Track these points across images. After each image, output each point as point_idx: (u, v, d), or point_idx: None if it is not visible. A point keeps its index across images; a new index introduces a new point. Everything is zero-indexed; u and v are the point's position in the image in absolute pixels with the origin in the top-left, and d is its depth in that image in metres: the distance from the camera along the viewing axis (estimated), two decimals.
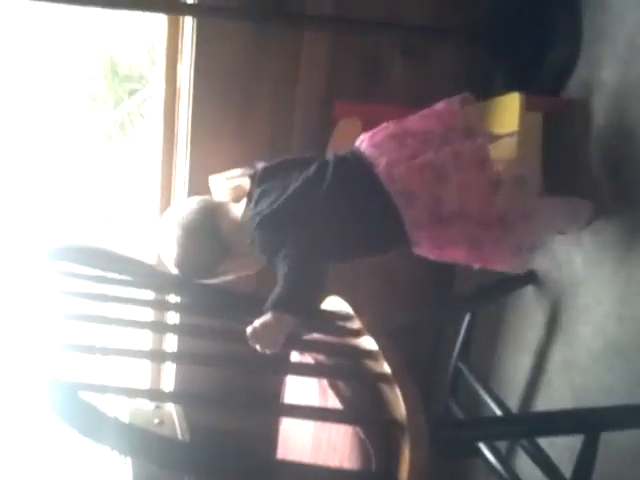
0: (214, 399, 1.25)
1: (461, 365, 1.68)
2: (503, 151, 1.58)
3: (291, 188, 1.37)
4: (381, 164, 1.37)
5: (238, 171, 1.55)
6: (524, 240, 1.41)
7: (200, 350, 1.24)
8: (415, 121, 1.46)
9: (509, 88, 1.63)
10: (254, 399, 1.15)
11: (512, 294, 1.72)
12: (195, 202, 1.49)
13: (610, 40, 1.53)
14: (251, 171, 1.50)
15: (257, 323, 1.22)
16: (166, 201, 1.96)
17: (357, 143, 1.46)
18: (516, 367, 1.74)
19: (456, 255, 1.44)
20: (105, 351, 1.18)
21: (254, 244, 1.39)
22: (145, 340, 1.82)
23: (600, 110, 1.55)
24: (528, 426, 1.27)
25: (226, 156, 1.83)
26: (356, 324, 1.38)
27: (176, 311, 1.51)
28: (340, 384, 1.29)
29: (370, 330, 1.31)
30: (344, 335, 1.38)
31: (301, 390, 1.40)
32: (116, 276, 1.41)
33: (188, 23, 1.79)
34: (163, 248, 1.45)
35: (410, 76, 1.85)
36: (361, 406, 1.22)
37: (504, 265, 1.44)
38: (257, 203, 1.41)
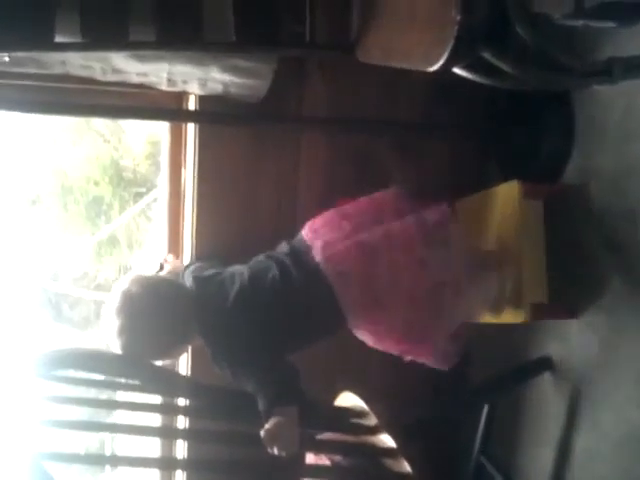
0: None
1: (482, 459, 1.62)
2: (504, 241, 1.60)
3: (231, 294, 1.42)
4: (317, 246, 1.47)
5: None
6: (452, 322, 1.51)
7: (212, 454, 1.20)
8: (351, 205, 1.60)
9: (506, 177, 1.65)
10: None
11: (529, 383, 1.68)
12: (172, 281, 1.54)
13: (602, 127, 1.56)
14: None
15: (268, 426, 1.22)
16: None
17: (302, 231, 1.57)
18: (539, 459, 1.67)
19: (390, 343, 1.54)
20: (114, 460, 1.15)
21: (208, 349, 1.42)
22: (154, 445, 1.75)
23: (599, 194, 1.57)
24: None
25: (231, 256, 1.84)
26: (371, 420, 1.34)
27: (185, 415, 1.47)
28: None
29: (387, 427, 1.28)
30: (360, 433, 1.35)
31: None
32: (123, 381, 1.39)
33: (190, 128, 1.85)
34: (123, 315, 1.39)
35: (408, 171, 1.87)
36: None
37: (430, 361, 1.55)
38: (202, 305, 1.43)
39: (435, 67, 1.21)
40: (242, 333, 1.38)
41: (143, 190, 4.41)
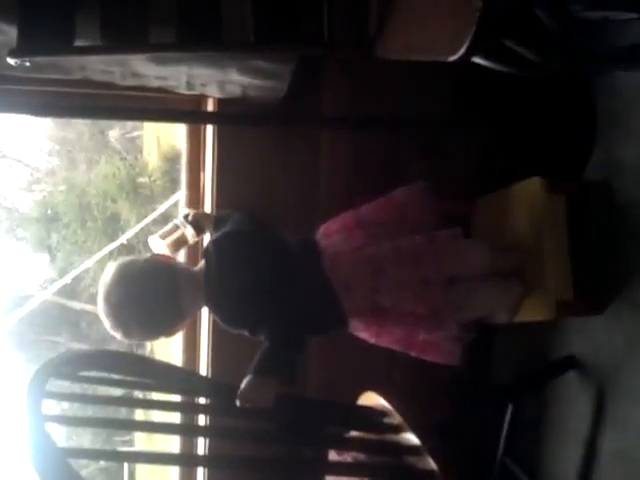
0: None
1: (507, 460, 1.59)
2: (527, 237, 1.58)
3: (256, 267, 1.46)
4: (328, 253, 1.51)
5: (170, 225, 1.66)
6: (454, 329, 1.54)
7: (232, 453, 1.18)
8: (370, 211, 1.61)
9: (528, 174, 1.64)
10: None
11: (553, 382, 1.65)
12: (156, 262, 1.50)
13: (623, 120, 1.55)
14: (182, 222, 1.64)
15: (243, 386, 1.29)
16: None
17: (318, 230, 1.59)
18: (565, 460, 1.64)
19: (392, 344, 1.59)
20: (136, 457, 1.14)
21: (217, 312, 1.49)
22: (174, 445, 1.74)
23: (622, 189, 1.55)
24: None
25: None
26: (395, 419, 1.32)
27: (205, 413, 1.46)
28: None
29: (411, 425, 1.26)
30: (383, 432, 1.33)
31: None
32: (144, 380, 1.38)
33: (209, 132, 1.86)
34: (115, 304, 1.38)
35: (429, 171, 1.85)
36: None
37: (438, 355, 1.58)
38: (218, 272, 1.45)
39: (457, 56, 1.20)
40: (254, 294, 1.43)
41: (159, 207, 4.46)
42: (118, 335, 1.40)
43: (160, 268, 1.45)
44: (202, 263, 1.51)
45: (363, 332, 1.58)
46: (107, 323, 1.40)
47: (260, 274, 1.45)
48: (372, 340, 1.60)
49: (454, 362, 1.58)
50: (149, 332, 1.43)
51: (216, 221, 1.67)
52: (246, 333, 1.47)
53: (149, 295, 1.39)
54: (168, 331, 1.46)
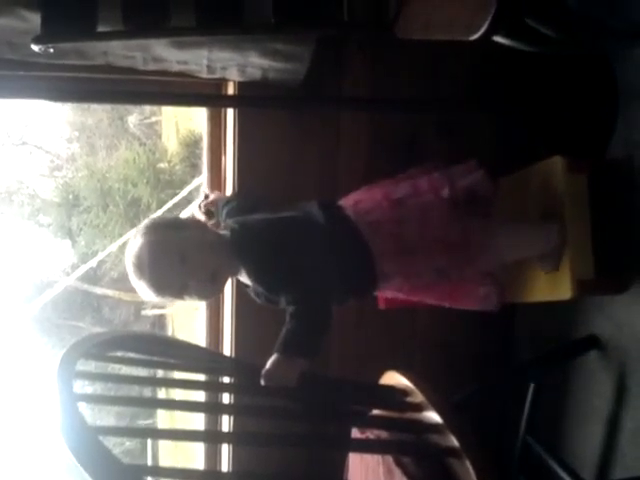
0: None
1: (529, 439, 1.60)
2: (550, 217, 1.58)
3: (286, 250, 1.43)
4: (349, 204, 1.55)
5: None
6: (486, 266, 1.51)
7: (257, 429, 1.20)
8: (385, 180, 1.63)
9: (551, 153, 1.63)
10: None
11: (575, 361, 1.66)
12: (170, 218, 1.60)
13: None
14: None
15: (269, 365, 1.26)
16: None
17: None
18: (587, 438, 1.65)
19: (424, 292, 1.56)
20: (164, 434, 1.16)
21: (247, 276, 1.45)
22: (199, 424, 1.77)
23: None
24: None
25: None
26: (416, 398, 1.33)
27: (230, 392, 1.48)
28: (406, 461, 1.24)
29: (433, 403, 1.27)
30: (405, 410, 1.34)
31: (365, 471, 1.34)
32: (169, 360, 1.40)
33: (229, 115, 1.87)
34: (136, 269, 1.39)
35: (447, 151, 1.87)
36: None
37: (472, 301, 1.56)
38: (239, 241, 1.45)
39: (477, 35, 1.20)
40: (284, 262, 1.41)
41: (180, 192, 4.48)
42: (148, 292, 1.40)
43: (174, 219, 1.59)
44: (226, 232, 1.51)
45: (394, 280, 1.53)
46: (136, 283, 1.40)
47: (289, 253, 1.43)
48: (402, 292, 1.58)
49: (490, 307, 1.56)
50: (172, 286, 1.41)
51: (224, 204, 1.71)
52: (264, 300, 1.46)
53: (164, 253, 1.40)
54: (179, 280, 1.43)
